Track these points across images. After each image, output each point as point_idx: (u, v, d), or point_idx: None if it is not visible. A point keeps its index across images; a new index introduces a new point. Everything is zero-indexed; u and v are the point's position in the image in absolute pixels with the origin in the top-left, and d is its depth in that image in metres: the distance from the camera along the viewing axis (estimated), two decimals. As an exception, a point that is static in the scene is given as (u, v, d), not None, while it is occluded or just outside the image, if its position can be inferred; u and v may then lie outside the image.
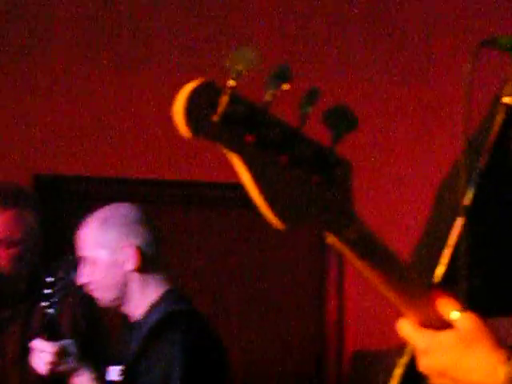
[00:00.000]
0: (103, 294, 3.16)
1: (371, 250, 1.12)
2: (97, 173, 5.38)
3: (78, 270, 3.16)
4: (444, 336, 1.20)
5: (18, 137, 5.33)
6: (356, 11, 5.64)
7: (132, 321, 3.22)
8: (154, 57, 5.52)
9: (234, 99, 0.95)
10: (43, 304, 3.14)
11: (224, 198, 5.26)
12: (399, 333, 1.22)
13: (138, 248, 3.11)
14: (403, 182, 5.38)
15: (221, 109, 0.94)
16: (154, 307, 3.14)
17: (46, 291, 3.14)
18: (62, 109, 5.37)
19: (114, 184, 5.33)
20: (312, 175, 1.01)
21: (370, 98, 5.43)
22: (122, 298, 3.15)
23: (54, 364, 3.00)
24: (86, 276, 3.14)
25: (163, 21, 5.55)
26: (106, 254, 3.12)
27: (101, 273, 3.12)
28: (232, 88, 0.94)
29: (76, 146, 5.35)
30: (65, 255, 3.30)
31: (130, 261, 3.10)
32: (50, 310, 3.15)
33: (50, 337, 3.08)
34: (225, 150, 0.97)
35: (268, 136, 0.98)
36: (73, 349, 3.08)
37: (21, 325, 3.40)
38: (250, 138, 0.96)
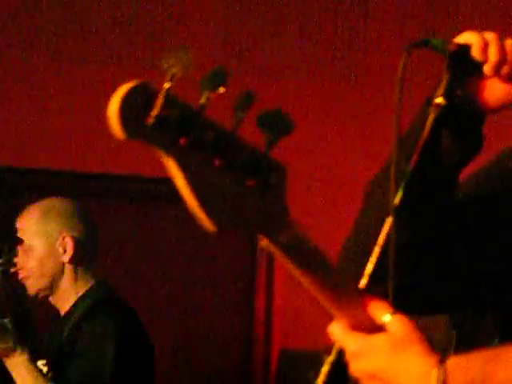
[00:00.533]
0: (34, 281, 3.24)
1: (303, 254, 1.12)
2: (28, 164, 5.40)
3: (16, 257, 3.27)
4: (375, 339, 1.21)
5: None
6: (292, 13, 5.64)
7: (60, 313, 3.31)
8: (93, 52, 5.51)
9: (169, 102, 0.94)
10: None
11: (152, 191, 5.26)
12: (330, 336, 1.22)
13: (76, 241, 3.23)
14: (339, 185, 5.42)
15: (155, 111, 0.93)
16: (82, 298, 3.24)
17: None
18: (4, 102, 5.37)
19: (44, 176, 5.34)
20: (246, 179, 1.01)
21: (305, 101, 5.44)
22: (52, 288, 3.25)
23: None
24: (21, 262, 3.23)
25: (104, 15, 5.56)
26: (44, 243, 3.23)
27: (35, 261, 3.22)
28: (167, 90, 0.94)
29: (18, 138, 5.40)
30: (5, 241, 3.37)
31: (66, 253, 3.22)
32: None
33: None
34: (159, 153, 0.96)
35: (202, 139, 0.97)
36: (10, 327, 3.08)
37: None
38: (183, 141, 0.96)
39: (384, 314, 1.21)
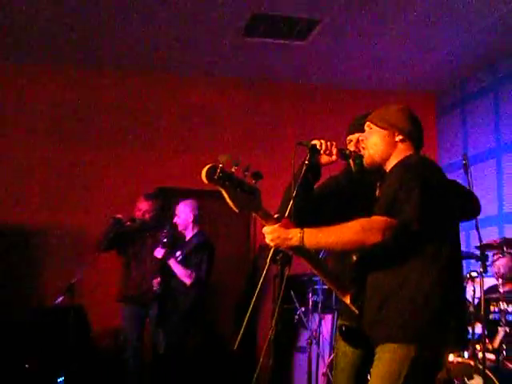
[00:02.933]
0: None
1: (265, 216, 3.28)
2: None
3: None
4: (276, 226, 3.25)
5: None
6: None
7: None
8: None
9: (222, 170, 3.09)
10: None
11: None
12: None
13: None
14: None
15: (218, 173, 3.05)
16: None
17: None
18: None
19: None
20: (248, 194, 3.16)
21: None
22: None
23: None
24: None
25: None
26: None
27: None
28: (222, 167, 3.05)
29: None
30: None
31: None
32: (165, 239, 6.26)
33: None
34: (220, 189, 3.03)
35: (233, 183, 3.10)
36: None
37: (151, 241, 6.58)
38: (228, 184, 3.06)
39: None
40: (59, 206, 8.10)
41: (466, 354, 5.71)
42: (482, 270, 5.49)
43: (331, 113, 8.71)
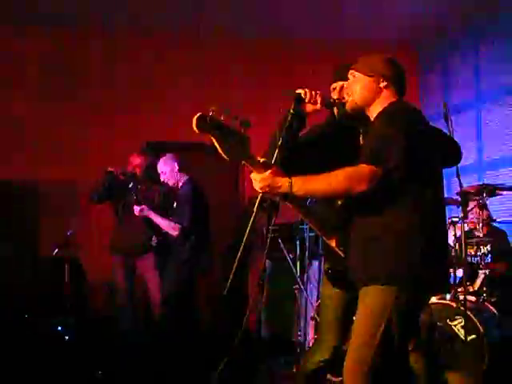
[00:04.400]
0: None
1: (254, 162, 3.36)
2: None
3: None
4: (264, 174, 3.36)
5: None
6: None
7: None
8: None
9: (212, 118, 3.19)
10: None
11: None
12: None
13: None
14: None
15: (208, 122, 3.18)
16: None
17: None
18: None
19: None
20: (237, 142, 3.29)
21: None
22: None
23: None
24: None
25: None
26: None
27: None
28: (211, 115, 3.18)
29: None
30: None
31: None
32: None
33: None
34: (209, 135, 3.17)
35: (224, 131, 3.25)
36: None
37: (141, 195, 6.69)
38: (218, 132, 3.20)
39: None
40: (51, 160, 8.21)
41: (447, 297, 5.92)
42: (462, 215, 5.67)
43: (311, 65, 8.79)
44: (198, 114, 3.15)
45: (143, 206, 6.46)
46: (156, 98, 8.68)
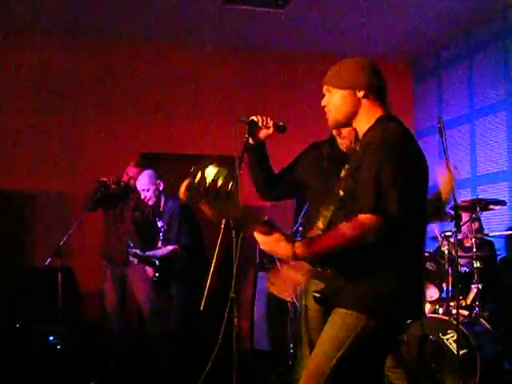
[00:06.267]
0: None
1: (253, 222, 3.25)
2: None
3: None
4: (270, 238, 3.10)
5: None
6: None
7: None
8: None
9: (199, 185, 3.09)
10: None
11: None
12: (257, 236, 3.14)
13: None
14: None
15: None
16: None
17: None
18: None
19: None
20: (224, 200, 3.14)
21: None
22: None
23: None
24: None
25: None
26: None
27: None
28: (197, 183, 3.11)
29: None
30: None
31: None
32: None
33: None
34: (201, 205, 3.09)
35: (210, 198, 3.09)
36: None
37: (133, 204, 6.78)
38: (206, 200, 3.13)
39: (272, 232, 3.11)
40: (46, 170, 8.22)
41: (440, 311, 5.95)
42: (456, 229, 5.68)
43: (311, 79, 8.83)
44: (185, 184, 3.03)
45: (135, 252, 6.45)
46: (151, 109, 8.70)
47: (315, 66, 9.00)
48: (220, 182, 2.99)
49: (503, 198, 6.83)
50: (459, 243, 6.31)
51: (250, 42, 8.83)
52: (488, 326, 5.89)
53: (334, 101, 3.28)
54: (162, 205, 6.62)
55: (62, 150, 8.37)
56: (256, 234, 3.12)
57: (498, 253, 7.02)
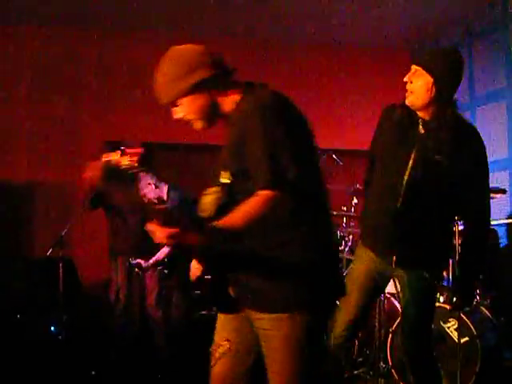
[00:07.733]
0: None
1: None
2: None
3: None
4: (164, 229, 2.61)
5: None
6: None
7: None
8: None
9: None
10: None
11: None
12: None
13: None
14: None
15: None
16: None
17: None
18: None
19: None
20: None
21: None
22: None
23: None
24: None
25: None
26: None
27: None
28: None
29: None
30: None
31: None
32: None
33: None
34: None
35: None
36: None
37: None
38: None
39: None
40: (46, 161, 8.23)
41: (441, 299, 5.95)
42: (456, 217, 5.65)
43: (304, 69, 8.81)
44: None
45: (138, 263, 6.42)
46: (149, 99, 8.59)
47: (314, 56, 9.04)
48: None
49: (503, 187, 6.82)
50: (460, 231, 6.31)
51: (246, 31, 8.77)
52: (489, 314, 5.90)
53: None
54: (164, 194, 6.54)
55: (62, 139, 8.36)
56: (150, 226, 2.64)
57: (499, 241, 7.03)
